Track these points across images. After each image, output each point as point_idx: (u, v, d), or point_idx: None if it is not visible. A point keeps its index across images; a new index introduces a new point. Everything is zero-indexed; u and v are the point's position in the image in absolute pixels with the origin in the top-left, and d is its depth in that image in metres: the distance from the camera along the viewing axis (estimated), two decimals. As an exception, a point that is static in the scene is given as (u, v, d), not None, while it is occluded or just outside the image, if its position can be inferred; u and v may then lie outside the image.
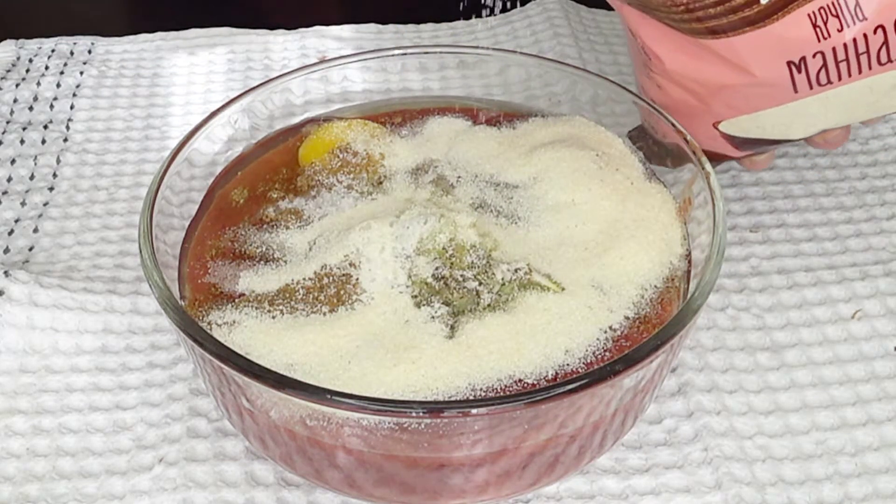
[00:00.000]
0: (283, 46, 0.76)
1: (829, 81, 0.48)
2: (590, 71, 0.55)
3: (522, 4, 0.80)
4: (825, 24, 0.46)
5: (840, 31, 0.47)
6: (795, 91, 0.49)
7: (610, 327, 0.43)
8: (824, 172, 0.63)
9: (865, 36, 0.47)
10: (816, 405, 0.49)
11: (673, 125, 0.50)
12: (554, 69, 0.55)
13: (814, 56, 0.47)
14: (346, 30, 0.78)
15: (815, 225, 0.59)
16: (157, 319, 0.54)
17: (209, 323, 0.43)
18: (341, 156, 0.52)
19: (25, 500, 0.45)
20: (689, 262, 0.47)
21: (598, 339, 0.42)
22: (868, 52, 0.47)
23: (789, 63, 0.48)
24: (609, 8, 0.80)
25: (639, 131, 0.55)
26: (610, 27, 0.78)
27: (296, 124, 0.55)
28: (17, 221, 0.60)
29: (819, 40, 0.47)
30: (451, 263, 0.44)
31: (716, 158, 0.56)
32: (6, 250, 0.58)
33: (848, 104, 0.50)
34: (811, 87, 0.49)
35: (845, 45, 0.47)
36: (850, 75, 0.48)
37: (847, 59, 0.47)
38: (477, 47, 0.65)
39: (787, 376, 0.50)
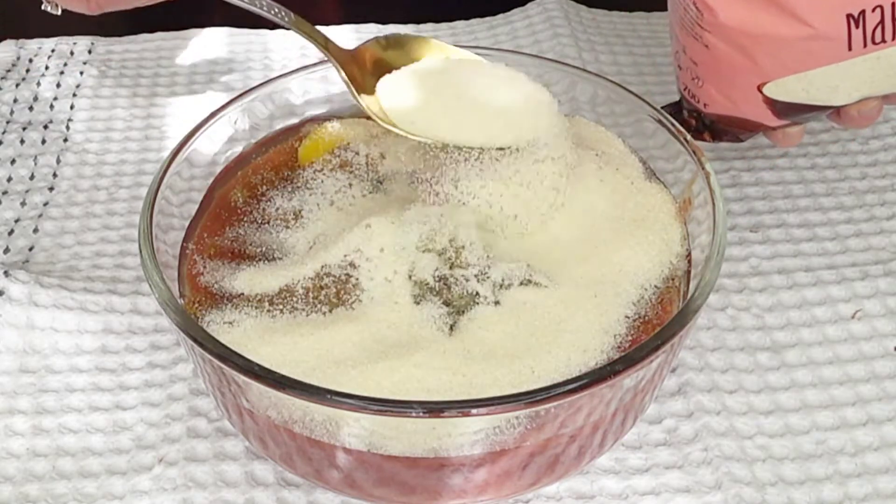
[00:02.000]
0: (283, 46, 0.76)
1: (884, 40, 0.48)
2: (589, 71, 0.55)
3: (523, 4, 0.80)
4: None
5: None
6: (850, 48, 0.49)
7: (610, 327, 0.43)
8: (824, 172, 0.63)
9: None
10: (816, 405, 0.49)
11: (673, 125, 0.50)
12: (554, 69, 0.55)
13: (873, 10, 0.47)
14: (346, 30, 0.78)
15: (815, 225, 0.59)
16: (157, 319, 0.54)
17: (209, 323, 0.43)
18: (341, 156, 0.52)
19: (25, 500, 0.45)
20: (689, 262, 0.46)
21: (598, 339, 0.42)
22: None
23: (849, 16, 0.47)
24: (609, 8, 0.81)
25: (673, 107, 0.54)
26: (610, 27, 0.78)
27: (296, 124, 0.55)
28: (17, 221, 0.60)
29: None
30: (451, 263, 0.44)
31: (750, 129, 0.56)
32: (6, 250, 0.58)
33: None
34: (865, 46, 0.48)
35: None
36: None
37: None
38: (477, 47, 0.65)
39: (787, 376, 0.50)
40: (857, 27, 0.48)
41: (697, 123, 0.58)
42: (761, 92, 0.52)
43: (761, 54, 0.51)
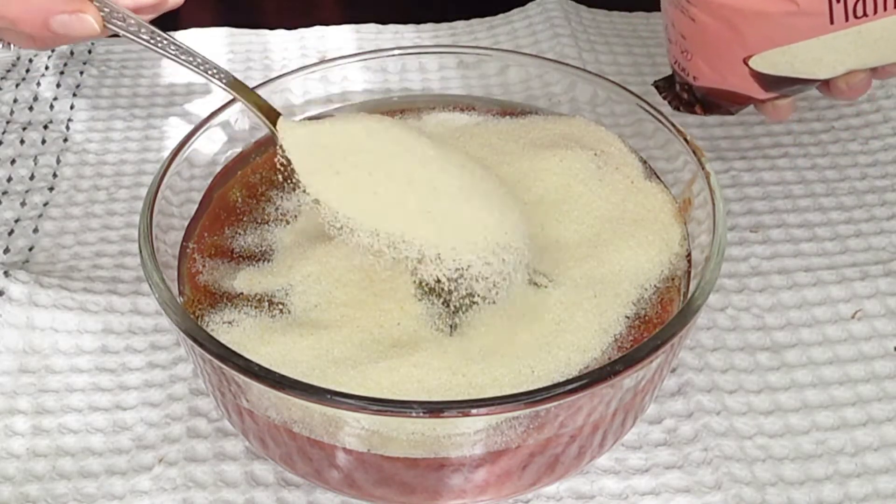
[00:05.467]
0: (283, 46, 0.76)
1: (865, 14, 0.49)
2: (589, 71, 0.55)
3: (523, 4, 0.80)
4: None
5: None
6: (832, 22, 0.49)
7: (610, 327, 0.43)
8: (824, 172, 0.63)
9: None
10: (816, 405, 0.49)
11: (673, 125, 0.50)
12: (553, 69, 0.55)
13: None
14: (346, 30, 0.78)
15: (815, 225, 0.59)
16: (157, 319, 0.54)
17: (208, 323, 0.43)
18: (341, 156, 0.51)
19: (25, 500, 0.45)
20: (689, 262, 0.46)
21: (598, 339, 0.42)
22: None
23: None
24: (609, 8, 0.81)
25: (665, 81, 0.54)
26: (610, 27, 0.78)
27: (295, 124, 0.55)
28: (17, 221, 0.60)
29: None
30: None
31: (739, 102, 0.57)
32: (6, 250, 0.58)
33: (879, 42, 0.50)
34: (847, 20, 0.49)
35: None
36: (885, 9, 0.49)
37: None
38: (477, 47, 0.65)
39: (787, 376, 0.50)
40: (837, 2, 0.49)
41: (689, 97, 0.58)
42: (747, 65, 0.53)
43: (746, 28, 0.52)
